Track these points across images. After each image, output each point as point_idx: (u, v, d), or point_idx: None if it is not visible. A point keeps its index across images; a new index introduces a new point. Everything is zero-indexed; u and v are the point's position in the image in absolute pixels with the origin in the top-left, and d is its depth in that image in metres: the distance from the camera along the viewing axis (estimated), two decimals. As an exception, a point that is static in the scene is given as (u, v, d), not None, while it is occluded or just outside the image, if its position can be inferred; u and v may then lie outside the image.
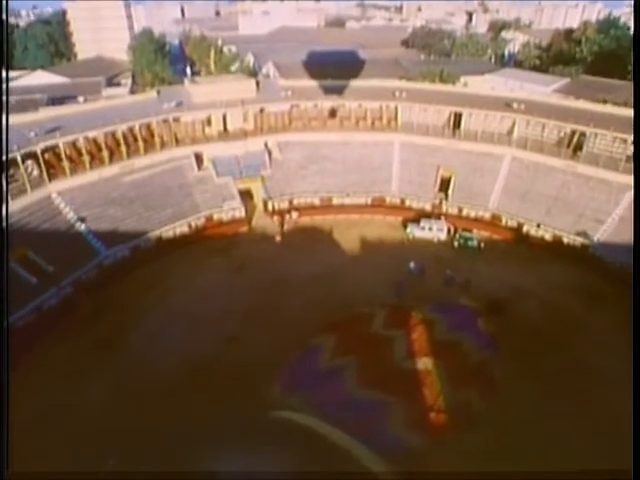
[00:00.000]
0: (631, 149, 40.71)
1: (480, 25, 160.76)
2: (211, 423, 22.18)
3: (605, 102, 52.68)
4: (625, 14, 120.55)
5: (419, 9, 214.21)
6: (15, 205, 34.09)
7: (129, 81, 77.41)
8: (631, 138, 39.57)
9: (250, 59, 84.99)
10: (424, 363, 27.44)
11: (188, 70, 65.95)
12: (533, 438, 22.77)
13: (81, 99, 70.97)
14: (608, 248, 37.09)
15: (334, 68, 69.52)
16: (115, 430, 22.62)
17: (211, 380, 25.37)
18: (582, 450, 22.16)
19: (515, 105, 44.91)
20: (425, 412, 24.78)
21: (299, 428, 21.72)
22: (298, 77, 67.95)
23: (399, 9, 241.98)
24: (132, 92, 70.92)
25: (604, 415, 24.24)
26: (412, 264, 36.00)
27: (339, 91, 49.96)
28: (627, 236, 37.04)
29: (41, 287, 31.45)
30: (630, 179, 39.36)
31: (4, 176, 32.41)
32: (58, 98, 68.86)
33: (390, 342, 28.80)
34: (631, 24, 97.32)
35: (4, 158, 31.17)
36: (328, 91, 49.83)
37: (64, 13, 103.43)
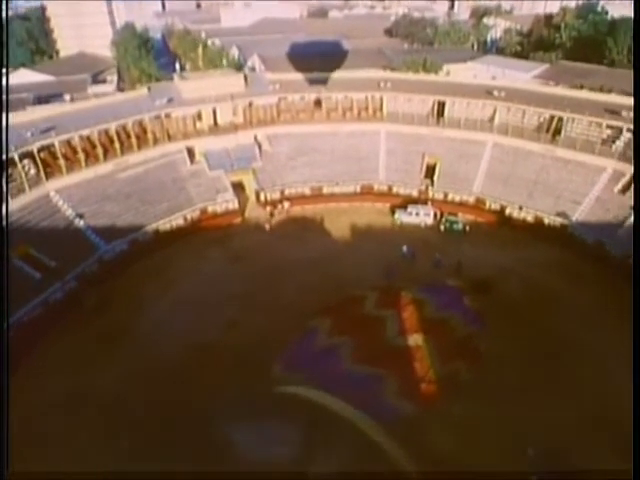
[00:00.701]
0: (606, 132, 43.06)
1: (462, 11, 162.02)
2: (219, 400, 24.04)
3: (582, 87, 54.91)
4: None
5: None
6: (15, 204, 35.34)
7: (115, 77, 77.82)
8: (606, 122, 41.94)
9: (235, 52, 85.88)
10: (415, 339, 29.54)
11: (177, 66, 66.79)
12: (517, 403, 24.91)
13: (67, 97, 71.40)
14: (585, 227, 39.42)
15: (319, 59, 70.82)
16: (127, 412, 24.40)
17: (217, 362, 27.16)
18: (561, 411, 24.43)
19: (496, 93, 46.95)
20: (417, 383, 26.84)
21: (303, 400, 23.71)
22: (283, 69, 69.10)
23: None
24: (119, 89, 71.50)
25: (579, 378, 26.65)
26: (405, 248, 37.98)
27: (324, 82, 51.57)
28: (603, 215, 39.53)
29: (45, 282, 32.84)
30: (605, 161, 41.93)
31: (4, 176, 33.66)
32: (44, 97, 69.29)
33: (382, 321, 30.86)
34: (609, 9, 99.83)
35: (4, 157, 32.45)
36: (313, 82, 51.41)
37: (43, 9, 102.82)
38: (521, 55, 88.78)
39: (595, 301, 33.28)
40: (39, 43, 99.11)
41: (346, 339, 29.30)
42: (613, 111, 42.04)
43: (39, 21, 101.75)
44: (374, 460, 21.04)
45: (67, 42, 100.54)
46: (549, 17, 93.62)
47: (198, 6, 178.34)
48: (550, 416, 24.22)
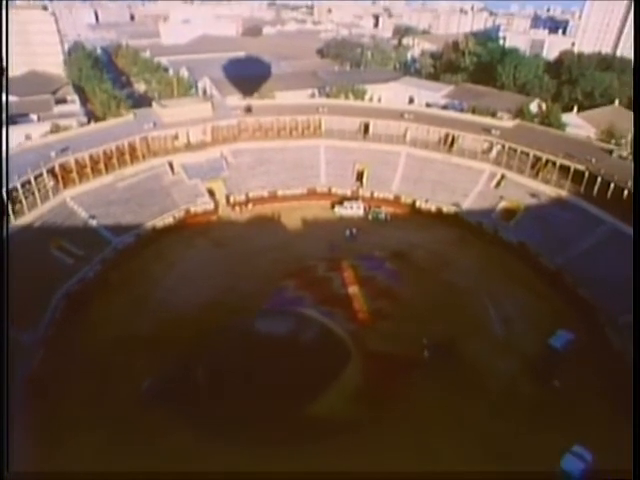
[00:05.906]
0: (485, 145, 61.86)
1: (386, 29, 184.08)
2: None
3: (474, 111, 74.36)
4: (502, 24, 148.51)
5: (329, 11, 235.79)
6: (43, 208, 47.89)
7: (75, 97, 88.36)
8: (482, 138, 60.77)
9: (184, 73, 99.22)
10: (352, 289, 45.61)
11: (156, 96, 79.60)
12: (421, 323, 41.22)
13: (34, 117, 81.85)
14: (471, 212, 57.67)
15: (255, 79, 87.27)
16: (165, 347, 38.13)
17: (222, 311, 41.45)
18: (450, 324, 41.06)
19: (406, 115, 64.77)
20: (356, 314, 42.79)
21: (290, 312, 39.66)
22: (233, 90, 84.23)
23: (310, 9, 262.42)
24: (86, 110, 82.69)
25: (459, 304, 43.89)
26: (348, 231, 54.16)
27: (252, 92, 67.83)
28: (482, 204, 57.94)
29: (78, 266, 45.73)
30: (484, 165, 60.62)
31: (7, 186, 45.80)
32: (11, 116, 78.80)
33: (330, 279, 46.83)
34: (504, 35, 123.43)
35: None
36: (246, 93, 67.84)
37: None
38: (434, 76, 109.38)
39: (476, 261, 51.24)
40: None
41: (306, 292, 44.80)
42: (487, 130, 60.96)
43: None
44: (335, 338, 37.02)
45: (13, 59, 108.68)
46: (456, 42, 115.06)
47: (132, 18, 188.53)
48: (443, 327, 40.78)
